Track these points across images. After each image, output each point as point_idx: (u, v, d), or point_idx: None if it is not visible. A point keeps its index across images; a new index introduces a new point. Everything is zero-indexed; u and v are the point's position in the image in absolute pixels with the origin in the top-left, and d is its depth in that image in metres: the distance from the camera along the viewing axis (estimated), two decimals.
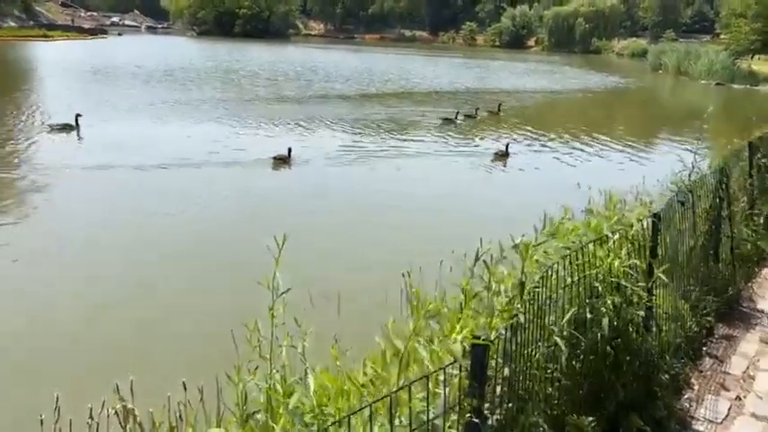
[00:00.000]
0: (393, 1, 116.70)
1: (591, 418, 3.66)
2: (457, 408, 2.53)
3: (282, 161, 16.93)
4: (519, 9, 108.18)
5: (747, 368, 5.74)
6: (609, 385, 4.10)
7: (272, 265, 3.98)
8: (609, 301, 3.74)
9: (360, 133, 22.74)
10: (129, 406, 3.83)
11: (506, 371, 2.76)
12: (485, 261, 3.14)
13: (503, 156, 18.86)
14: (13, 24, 76.54)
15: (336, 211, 13.41)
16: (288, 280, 4.06)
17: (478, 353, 2.44)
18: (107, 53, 55.65)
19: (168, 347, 7.31)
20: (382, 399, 2.41)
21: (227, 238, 11.52)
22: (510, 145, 19.55)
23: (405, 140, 21.92)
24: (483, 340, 2.44)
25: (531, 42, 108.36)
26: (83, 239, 10.98)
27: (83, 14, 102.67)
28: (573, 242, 3.68)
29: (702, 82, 51.38)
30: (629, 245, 4.22)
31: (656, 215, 4.49)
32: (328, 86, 37.30)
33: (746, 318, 6.72)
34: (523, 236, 3.31)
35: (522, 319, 2.82)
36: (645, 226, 4.44)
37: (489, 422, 2.67)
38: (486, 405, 2.67)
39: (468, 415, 2.49)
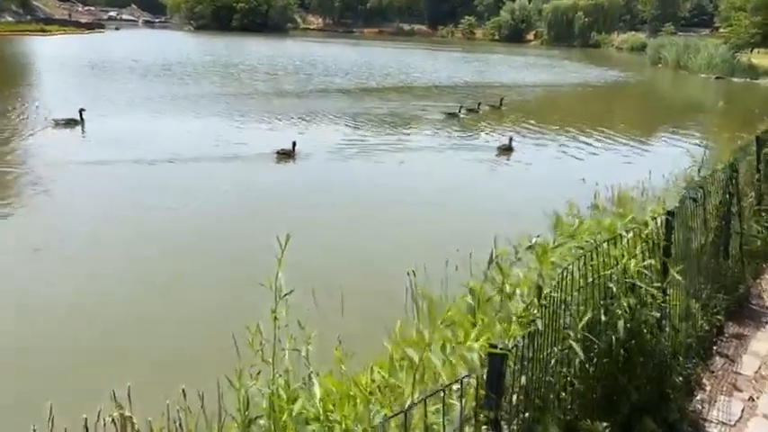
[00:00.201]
0: None
1: (605, 424, 3.54)
2: (472, 420, 2.41)
3: (286, 155, 16.90)
4: (518, 3, 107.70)
5: (759, 368, 5.63)
6: (622, 388, 3.98)
7: (275, 264, 3.87)
8: (624, 303, 3.61)
9: (362, 127, 22.62)
10: (127, 414, 3.69)
11: (523, 379, 2.64)
12: (498, 263, 3.01)
13: (506, 150, 18.82)
14: (10, 19, 76.14)
15: (340, 206, 13.38)
16: (291, 276, 3.94)
17: (496, 363, 2.32)
18: (105, 48, 55.34)
19: (168, 350, 7.16)
20: (397, 415, 2.27)
21: (229, 233, 11.41)
22: (513, 139, 19.48)
23: (408, 135, 21.83)
24: (501, 349, 2.32)
25: (530, 36, 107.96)
26: (85, 235, 10.91)
27: (80, 9, 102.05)
28: (587, 242, 3.55)
29: (702, 76, 51.19)
30: (643, 244, 4.08)
31: (669, 213, 4.36)
32: (328, 80, 37.11)
33: (757, 316, 6.60)
34: (538, 236, 3.17)
35: (539, 325, 2.70)
36: (659, 224, 4.31)
37: None
38: (502, 414, 2.55)
39: (485, 427, 2.36)
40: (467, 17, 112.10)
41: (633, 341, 3.94)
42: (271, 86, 33.05)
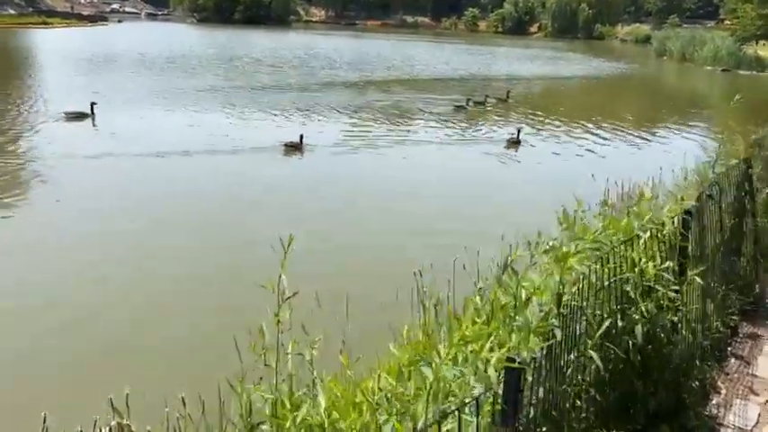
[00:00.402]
0: None
1: None
2: None
3: (294, 148, 16.95)
4: None
5: None
6: (638, 394, 3.83)
7: (280, 264, 3.73)
8: (642, 308, 3.46)
9: (367, 120, 22.54)
10: (125, 422, 3.56)
11: (541, 392, 2.50)
12: (512, 268, 2.87)
13: (515, 143, 18.80)
14: (12, 11, 76.07)
15: (347, 198, 13.43)
16: (295, 273, 3.81)
17: (513, 378, 2.18)
18: (108, 40, 55.21)
19: (168, 354, 7.01)
20: None
21: (237, 227, 11.38)
22: (521, 131, 19.36)
23: (414, 127, 21.75)
24: (518, 364, 2.18)
25: (534, 28, 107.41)
26: (92, 230, 10.86)
27: (83, 1, 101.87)
28: (603, 243, 3.39)
29: (708, 68, 50.86)
30: (660, 244, 3.93)
31: (687, 212, 4.20)
32: (332, 73, 36.93)
33: None
34: (555, 240, 3.02)
35: (558, 335, 2.55)
36: (676, 224, 4.15)
37: None
38: (520, 429, 2.40)
39: None
40: (470, 9, 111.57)
41: (650, 346, 3.79)
42: (275, 79, 32.88)
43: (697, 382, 4.52)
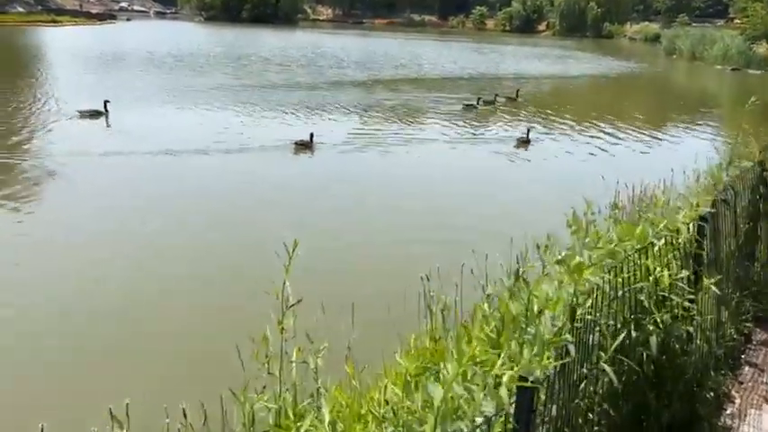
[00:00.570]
0: None
1: None
2: None
3: (304, 146, 17.01)
4: None
5: None
6: (651, 407, 3.72)
7: (288, 264, 3.65)
8: (657, 318, 3.35)
9: (376, 119, 22.51)
10: None
11: (554, 410, 2.40)
12: (524, 279, 2.77)
13: (524, 142, 18.76)
14: (21, 9, 76.32)
15: (357, 196, 13.45)
16: (301, 274, 3.74)
17: (526, 397, 2.08)
18: (117, 39, 55.34)
19: (171, 358, 6.89)
20: None
21: (246, 227, 11.36)
22: (531, 131, 19.27)
23: (425, 126, 21.72)
24: (532, 383, 2.08)
25: (542, 27, 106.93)
26: (104, 228, 10.89)
27: None
28: (617, 251, 3.28)
29: (718, 67, 50.46)
30: (675, 252, 3.82)
31: (702, 218, 4.08)
32: (341, 72, 36.87)
33: None
34: (567, 250, 2.91)
35: (572, 351, 2.45)
36: (691, 230, 4.04)
37: None
38: None
39: None
40: (478, 8, 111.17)
41: (664, 357, 3.68)
42: (284, 78, 32.85)
43: (711, 393, 4.41)
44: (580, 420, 2.86)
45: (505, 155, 17.68)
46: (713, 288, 3.86)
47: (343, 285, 8.44)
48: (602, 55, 60.90)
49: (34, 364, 6.83)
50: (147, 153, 15.91)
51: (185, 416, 3.69)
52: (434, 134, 20.23)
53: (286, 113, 22.57)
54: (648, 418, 3.71)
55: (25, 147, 16.32)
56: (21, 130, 18.02)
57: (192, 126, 19.87)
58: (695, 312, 3.95)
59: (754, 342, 5.90)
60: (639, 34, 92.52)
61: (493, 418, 2.09)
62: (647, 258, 3.52)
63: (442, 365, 2.98)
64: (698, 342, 4.30)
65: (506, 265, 5.39)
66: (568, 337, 2.44)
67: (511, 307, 2.59)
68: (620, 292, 3.25)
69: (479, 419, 2.17)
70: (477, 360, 2.38)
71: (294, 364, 3.75)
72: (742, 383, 5.23)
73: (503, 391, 2.14)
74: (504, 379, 2.23)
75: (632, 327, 3.32)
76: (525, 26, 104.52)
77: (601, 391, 3.22)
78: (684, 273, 3.64)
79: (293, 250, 3.66)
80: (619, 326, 3.21)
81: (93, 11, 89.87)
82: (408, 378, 3.35)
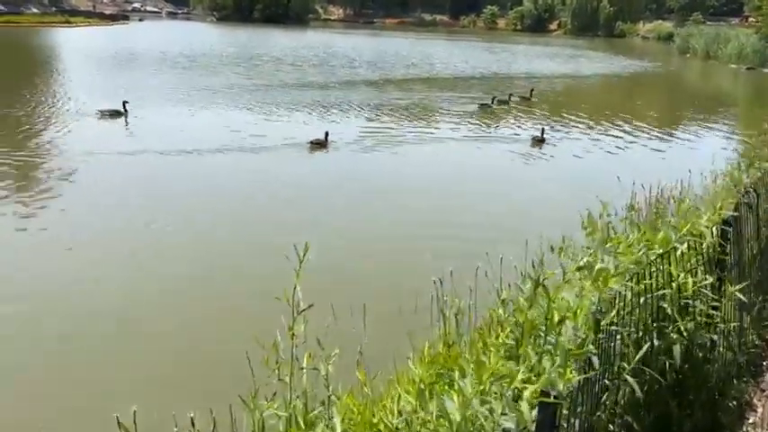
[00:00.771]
0: None
1: None
2: None
3: (319, 145, 17.05)
4: None
5: None
6: (673, 416, 3.60)
7: (298, 268, 3.56)
8: (681, 326, 3.22)
9: (390, 118, 22.44)
10: None
11: (577, 424, 2.29)
12: (544, 285, 2.66)
13: (539, 141, 18.63)
14: (35, 10, 76.99)
15: (373, 195, 13.42)
16: (313, 274, 3.65)
17: (548, 414, 1.98)
18: (131, 39, 55.59)
19: (179, 364, 6.79)
20: None
21: (261, 225, 11.30)
22: (545, 130, 19.17)
23: (439, 125, 21.66)
24: (554, 398, 1.98)
25: (554, 26, 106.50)
26: (115, 226, 10.84)
27: (105, 0, 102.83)
28: (639, 257, 3.16)
29: (732, 66, 49.93)
30: (698, 257, 3.69)
31: (726, 222, 3.95)
32: (353, 72, 36.79)
33: None
34: (588, 255, 2.80)
35: (596, 363, 2.34)
36: (714, 234, 3.91)
37: None
38: None
39: None
40: (489, 7, 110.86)
41: (686, 365, 3.56)
42: (296, 77, 32.83)
43: (734, 401, 4.28)
44: None
45: (520, 154, 17.55)
46: (739, 296, 3.72)
47: (354, 285, 8.34)
48: (614, 54, 60.47)
49: (34, 363, 6.77)
50: (162, 152, 15.98)
51: (193, 424, 3.61)
52: (449, 133, 20.15)
53: (299, 112, 22.56)
54: (671, 429, 3.59)
55: (47, 146, 16.38)
56: (42, 131, 18.07)
57: (207, 125, 19.92)
58: (719, 319, 3.82)
59: None
60: (652, 33, 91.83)
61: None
62: (669, 264, 3.40)
63: (456, 374, 2.88)
64: (721, 350, 4.17)
65: (520, 267, 5.27)
66: (592, 348, 2.34)
67: (529, 314, 2.48)
68: (642, 300, 3.13)
69: None
70: (498, 376, 2.27)
71: (305, 371, 3.66)
72: (764, 391, 5.08)
73: (524, 406, 2.04)
74: (526, 394, 2.12)
75: (655, 335, 3.20)
76: (537, 25, 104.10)
77: (622, 402, 3.10)
78: (709, 279, 3.51)
79: (304, 254, 3.58)
80: (641, 334, 3.09)
81: (107, 12, 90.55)
82: (422, 386, 3.25)
